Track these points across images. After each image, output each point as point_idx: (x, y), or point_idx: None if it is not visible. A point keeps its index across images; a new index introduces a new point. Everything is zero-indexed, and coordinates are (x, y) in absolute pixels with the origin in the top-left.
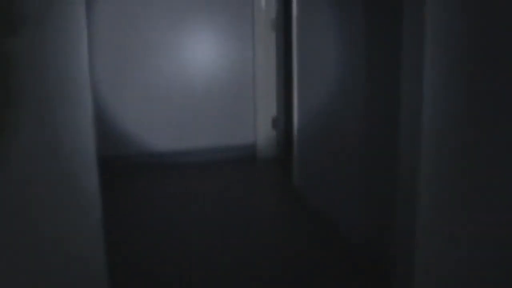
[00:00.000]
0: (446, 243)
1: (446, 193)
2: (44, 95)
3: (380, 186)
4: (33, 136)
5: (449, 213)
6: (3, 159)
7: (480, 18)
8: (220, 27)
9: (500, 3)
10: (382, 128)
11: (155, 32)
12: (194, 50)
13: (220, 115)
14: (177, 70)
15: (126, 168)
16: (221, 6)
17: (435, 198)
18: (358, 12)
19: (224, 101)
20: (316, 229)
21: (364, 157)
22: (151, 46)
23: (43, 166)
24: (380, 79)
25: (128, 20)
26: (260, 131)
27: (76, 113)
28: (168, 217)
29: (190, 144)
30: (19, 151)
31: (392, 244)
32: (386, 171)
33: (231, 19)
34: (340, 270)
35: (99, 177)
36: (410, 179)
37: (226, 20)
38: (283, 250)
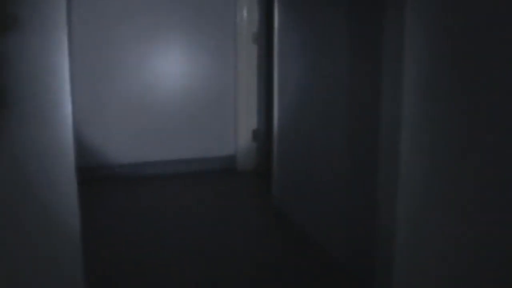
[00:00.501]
0: (426, 252)
1: (427, 202)
2: (26, 97)
3: (361, 199)
4: (14, 136)
5: (428, 221)
6: None
7: (459, 28)
8: (201, 40)
9: (474, 12)
10: (363, 140)
11: (134, 44)
12: (175, 62)
13: (201, 127)
14: (158, 82)
15: (105, 178)
16: (203, 19)
17: (414, 205)
18: (340, 24)
19: (205, 113)
20: (294, 242)
21: (344, 170)
22: (132, 58)
23: (22, 170)
24: (362, 91)
25: (105, 32)
26: (240, 143)
27: (56, 116)
28: (146, 227)
29: (170, 155)
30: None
31: (372, 256)
32: (366, 184)
33: (213, 32)
34: (318, 283)
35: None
36: (390, 187)
37: (207, 33)
38: (259, 262)
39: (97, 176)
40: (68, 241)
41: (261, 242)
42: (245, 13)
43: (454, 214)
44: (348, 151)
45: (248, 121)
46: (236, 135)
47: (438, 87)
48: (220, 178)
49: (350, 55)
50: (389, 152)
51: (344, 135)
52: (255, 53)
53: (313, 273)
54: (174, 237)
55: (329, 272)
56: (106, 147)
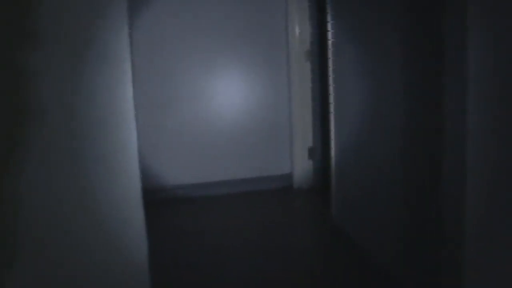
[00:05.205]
0: (496, 278)
1: (495, 230)
2: (95, 123)
3: (422, 217)
4: (82, 162)
5: (498, 248)
6: (17, 170)
7: None
8: (255, 60)
9: None
10: (421, 158)
11: (193, 68)
12: (229, 83)
13: (257, 146)
14: (213, 103)
15: (162, 200)
16: (256, 37)
17: (482, 215)
18: (396, 41)
19: (261, 132)
20: (354, 259)
21: (404, 187)
22: (189, 80)
23: (90, 195)
24: (419, 109)
25: (165, 48)
26: (296, 161)
27: (118, 135)
28: (206, 246)
29: (226, 175)
30: (48, 170)
31: (435, 279)
32: (427, 202)
33: (265, 51)
34: None
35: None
36: (455, 210)
37: (260, 52)
38: (319, 279)
39: (154, 198)
40: (135, 266)
41: (321, 260)
42: (297, 31)
43: None
44: (407, 168)
45: (303, 139)
46: (292, 154)
47: (506, 119)
48: (277, 196)
49: (407, 69)
50: (454, 163)
51: (405, 149)
52: (309, 70)
53: None
54: (234, 257)
55: None
56: (164, 169)
